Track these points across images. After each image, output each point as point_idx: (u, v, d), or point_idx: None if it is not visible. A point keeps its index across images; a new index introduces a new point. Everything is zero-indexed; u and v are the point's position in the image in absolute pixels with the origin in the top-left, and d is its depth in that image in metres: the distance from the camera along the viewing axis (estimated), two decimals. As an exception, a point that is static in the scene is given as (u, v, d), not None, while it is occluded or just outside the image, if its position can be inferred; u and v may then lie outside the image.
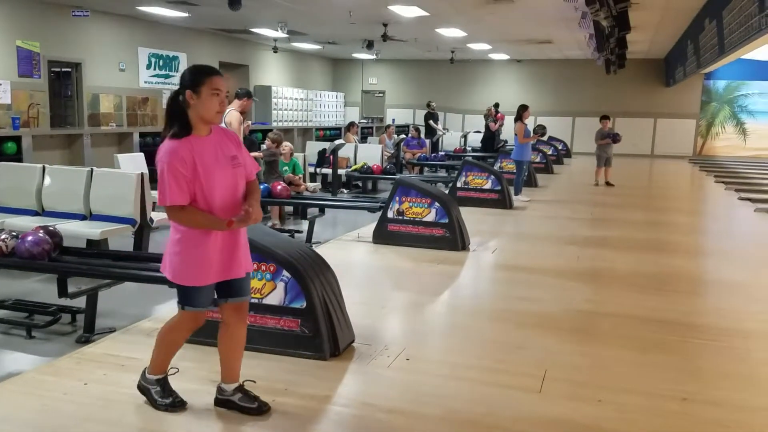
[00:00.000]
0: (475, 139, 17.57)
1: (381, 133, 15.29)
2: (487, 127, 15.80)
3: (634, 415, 2.84)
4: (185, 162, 2.48)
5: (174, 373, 2.83)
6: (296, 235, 7.04)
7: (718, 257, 6.66)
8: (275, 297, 3.36)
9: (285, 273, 3.32)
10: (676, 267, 5.89)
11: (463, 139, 16.86)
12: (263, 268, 3.36)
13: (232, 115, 6.84)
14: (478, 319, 4.28)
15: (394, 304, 4.65)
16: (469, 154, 14.70)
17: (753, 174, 14.87)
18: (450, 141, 16.65)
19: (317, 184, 9.03)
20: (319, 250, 5.37)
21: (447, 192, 8.39)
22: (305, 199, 7.74)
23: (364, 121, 20.89)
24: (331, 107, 19.18)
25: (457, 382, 3.19)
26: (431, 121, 16.00)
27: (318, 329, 3.29)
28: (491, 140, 15.48)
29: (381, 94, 22.33)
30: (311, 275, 3.34)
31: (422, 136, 14.43)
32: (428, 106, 16.41)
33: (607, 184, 11.91)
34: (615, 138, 11.69)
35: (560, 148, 17.11)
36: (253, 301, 3.42)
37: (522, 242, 6.98)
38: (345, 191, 11.03)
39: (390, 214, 6.43)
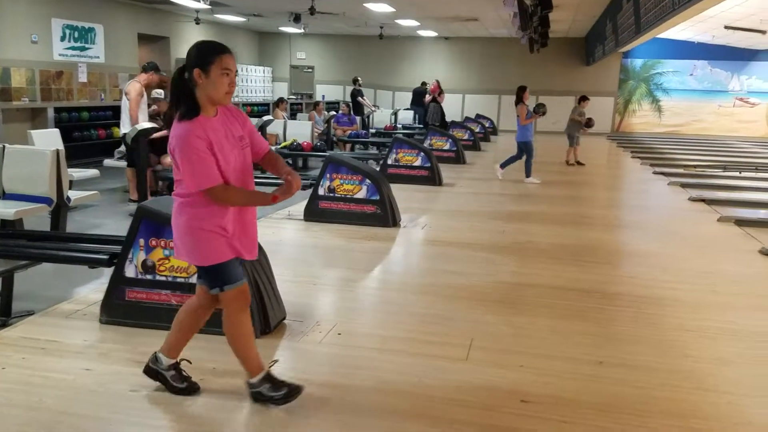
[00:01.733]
0: (406, 116, 17.69)
1: (311, 110, 15.14)
2: (434, 99, 15.75)
3: (553, 378, 2.99)
4: (202, 141, 2.37)
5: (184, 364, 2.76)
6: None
7: (633, 229, 7.02)
8: (203, 276, 3.30)
9: (212, 251, 3.27)
10: (594, 239, 6.17)
11: (393, 117, 16.93)
12: (190, 246, 3.30)
13: (132, 85, 6.61)
14: (408, 293, 4.36)
15: (326, 281, 4.67)
16: (400, 131, 14.79)
17: (667, 150, 15.68)
18: (380, 118, 16.69)
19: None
20: (248, 228, 5.30)
21: (378, 169, 8.43)
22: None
23: (293, 97, 20.61)
24: (258, 82, 18.79)
25: (388, 354, 3.25)
26: (360, 98, 15.95)
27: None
28: (440, 113, 15.45)
29: (310, 70, 22.04)
30: (240, 253, 3.30)
31: (352, 113, 14.39)
32: (355, 82, 16.30)
33: (578, 163, 12.18)
34: (589, 123, 11.80)
35: (487, 125, 17.46)
36: (179, 280, 3.37)
37: (451, 218, 7.12)
38: (274, 169, 10.88)
39: (321, 192, 6.41)
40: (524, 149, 9.83)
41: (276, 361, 2.74)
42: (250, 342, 2.62)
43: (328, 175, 6.38)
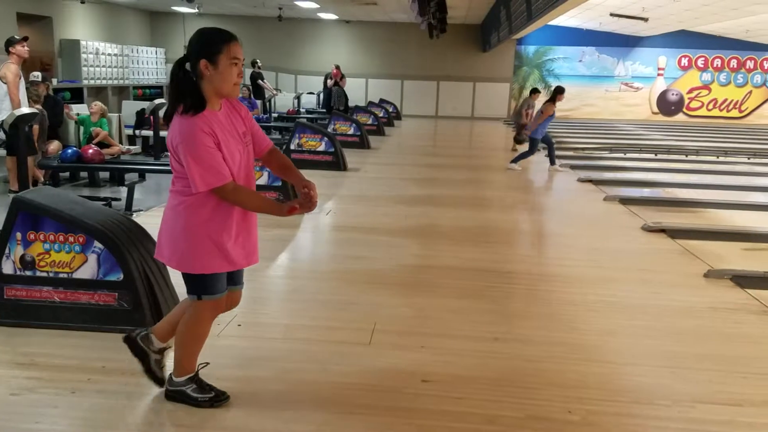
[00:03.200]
0: (310, 101, 17.50)
1: (208, 94, 14.59)
2: (336, 83, 15.59)
3: (452, 357, 3.07)
4: (208, 136, 2.18)
5: (204, 367, 2.57)
6: (114, 203, 6.56)
7: (527, 210, 7.32)
8: (87, 270, 3.11)
9: (97, 244, 3.09)
10: (491, 220, 6.38)
11: (296, 101, 16.69)
12: (71, 239, 3.10)
13: (7, 67, 6.12)
14: (313, 280, 4.32)
15: (225, 270, 4.54)
16: (304, 116, 14.60)
17: (559, 133, 16.42)
18: (283, 102, 16.41)
19: (136, 147, 8.45)
20: (141, 218, 5.06)
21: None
22: (122, 163, 7.22)
23: (191, 80, 19.78)
24: (150, 64, 17.89)
25: (290, 343, 3.21)
26: (260, 81, 15.59)
27: (138, 302, 3.11)
28: (329, 99, 15.34)
29: (207, 52, 21.25)
30: (128, 245, 3.14)
31: (253, 96, 14.04)
32: (254, 65, 15.90)
33: (513, 150, 12.43)
34: (519, 135, 12.02)
35: (391, 110, 17.60)
36: (61, 275, 3.15)
37: (355, 203, 7.12)
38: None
39: (218, 178, 6.21)
40: (546, 142, 9.98)
41: (207, 363, 2.62)
42: (199, 347, 2.53)
43: (226, 162, 6.19)
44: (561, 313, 3.79)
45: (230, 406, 2.56)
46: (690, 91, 21.38)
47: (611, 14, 17.09)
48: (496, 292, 4.14)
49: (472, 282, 4.30)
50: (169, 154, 2.29)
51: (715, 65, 21.21)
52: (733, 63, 21.17)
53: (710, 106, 21.48)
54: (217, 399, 2.54)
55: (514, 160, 9.96)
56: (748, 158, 11.92)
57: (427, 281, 4.33)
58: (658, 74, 21.33)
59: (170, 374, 2.56)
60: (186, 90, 2.22)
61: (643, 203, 7.27)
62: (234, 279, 2.50)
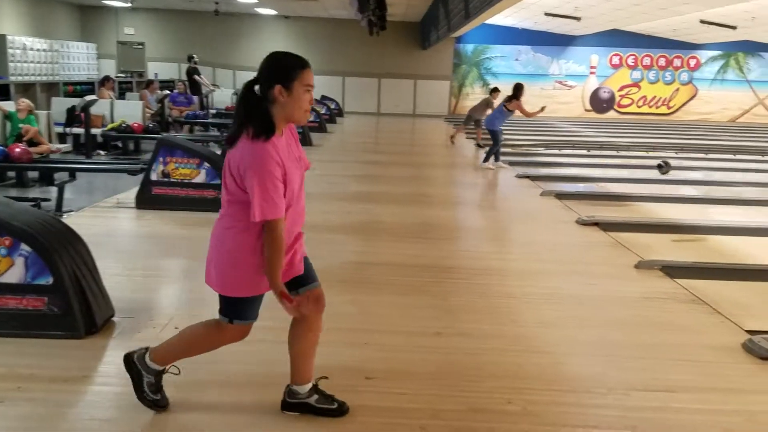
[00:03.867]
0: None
1: (142, 89, 14.18)
2: None
3: (395, 353, 3.08)
4: (278, 166, 2.12)
5: (177, 374, 2.49)
6: (43, 204, 6.27)
7: (467, 206, 7.43)
8: (14, 274, 2.97)
9: (24, 247, 2.94)
10: (433, 216, 6.44)
11: (235, 96, 16.38)
12: (-5, 242, 2.94)
13: None
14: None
15: (163, 273, 4.41)
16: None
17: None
18: (221, 98, 16.08)
19: (66, 145, 8.11)
20: (72, 219, 4.87)
21: (219, 152, 8.11)
22: (51, 162, 6.91)
23: (122, 75, 19.15)
24: (81, 59, 17.18)
25: (233, 345, 3.13)
26: (196, 76, 15.22)
27: (69, 306, 2.98)
28: None
29: (140, 46, 20.60)
30: (57, 248, 3.00)
31: (189, 92, 13.71)
32: (190, 59, 15.51)
33: (478, 145, 12.56)
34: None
35: (333, 107, 17.52)
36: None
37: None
38: (102, 153, 10.07)
39: (154, 177, 6.02)
40: (493, 137, 10.04)
41: (179, 371, 2.53)
42: (191, 354, 2.50)
43: (161, 159, 6.00)
44: (500, 306, 3.86)
45: (175, 410, 2.50)
46: (621, 89, 22.18)
47: (546, 14, 17.55)
48: (437, 287, 4.18)
49: (414, 278, 4.32)
50: (223, 174, 2.22)
51: (644, 63, 22.08)
52: (662, 61, 22.10)
53: (640, 103, 22.35)
54: (158, 405, 2.47)
55: (485, 159, 10.06)
56: (676, 153, 12.46)
57: (369, 278, 4.33)
58: (591, 72, 22.04)
59: (147, 348, 2.47)
60: (256, 113, 2.17)
61: (577, 198, 7.49)
62: (304, 279, 2.44)
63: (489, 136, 10.23)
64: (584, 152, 12.39)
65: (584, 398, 2.72)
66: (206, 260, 2.34)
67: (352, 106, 19.81)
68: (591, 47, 21.66)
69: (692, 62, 22.18)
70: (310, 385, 2.52)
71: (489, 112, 11.85)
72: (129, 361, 2.45)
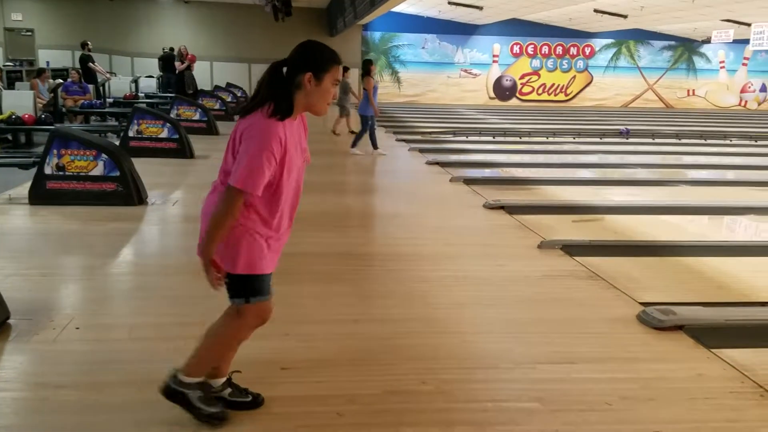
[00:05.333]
0: (149, 84, 16.50)
1: (32, 78, 13.25)
2: (169, 67, 14.75)
3: (315, 342, 3.08)
4: (280, 147, 2.10)
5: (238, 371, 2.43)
6: None
7: (381, 193, 7.50)
8: None
9: None
10: (349, 204, 6.46)
11: (134, 84, 15.66)
12: None
13: None
14: (159, 275, 4.10)
15: (60, 271, 4.18)
16: (143, 101, 13.75)
17: (407, 118, 16.97)
18: (119, 86, 15.32)
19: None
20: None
21: (118, 143, 7.74)
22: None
23: (10, 63, 17.83)
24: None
25: (136, 343, 3.03)
26: (91, 63, 14.41)
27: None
28: (181, 83, 14.54)
29: (29, 33, 19.25)
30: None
31: (83, 80, 12.96)
32: (84, 47, 14.66)
33: (352, 132, 12.26)
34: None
35: (239, 95, 17.11)
36: None
37: (205, 192, 6.76)
38: (-11, 146, 9.36)
39: (48, 170, 5.68)
40: (362, 121, 9.92)
41: (238, 371, 2.46)
42: (231, 353, 2.43)
43: (55, 152, 5.67)
44: (415, 290, 3.93)
45: (74, 415, 2.38)
46: (522, 77, 23.04)
47: (449, 2, 17.89)
48: (354, 275, 4.20)
49: (331, 266, 4.32)
50: (228, 145, 2.19)
51: (543, 52, 23.02)
52: (559, 50, 23.12)
53: (540, 91, 23.31)
54: (217, 418, 2.34)
55: (354, 144, 10.07)
56: (574, 138, 13.10)
57: (287, 268, 4.20)
58: (493, 61, 22.73)
59: (175, 370, 2.33)
60: (280, 94, 2.15)
61: (484, 183, 7.73)
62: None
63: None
64: (490, 139, 12.78)
65: (493, 374, 2.84)
66: (200, 235, 2.27)
67: (260, 94, 19.43)
68: (493, 36, 22.33)
69: (587, 50, 23.36)
70: (223, 379, 2.46)
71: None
72: (168, 392, 2.32)
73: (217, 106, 13.72)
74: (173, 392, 2.32)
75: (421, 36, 21.63)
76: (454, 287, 4.01)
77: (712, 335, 3.20)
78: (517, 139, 12.89)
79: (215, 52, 19.78)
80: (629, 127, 14.09)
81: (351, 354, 2.97)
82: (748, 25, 18.05)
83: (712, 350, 3.05)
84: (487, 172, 9.03)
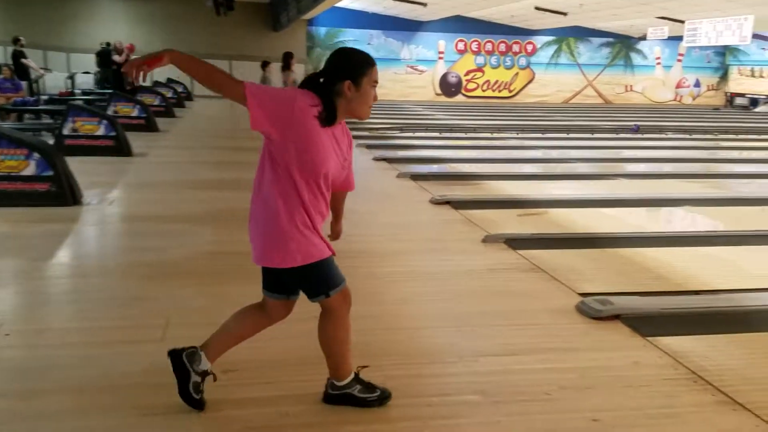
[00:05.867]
0: (86, 81, 15.95)
1: (-43, 74, 12.58)
2: (107, 63, 14.25)
3: (259, 343, 2.96)
4: (302, 112, 2.11)
5: (363, 369, 2.50)
6: None
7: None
8: None
9: None
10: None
11: (70, 81, 15.09)
12: None
13: None
14: (96, 277, 3.96)
15: (-11, 275, 3.98)
16: (79, 97, 13.25)
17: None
18: (54, 83, 14.75)
19: None
20: None
21: (52, 141, 7.45)
22: None
23: (-68, 58, 16.92)
24: None
25: (70, 349, 2.91)
26: (23, 59, 13.81)
27: None
28: (118, 79, 14.05)
29: (-46, 26, 18.27)
30: None
31: (16, 77, 12.40)
32: (16, 42, 14.04)
33: None
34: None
35: (180, 90, 16.72)
36: None
37: (144, 191, 6.66)
38: None
39: (-26, 171, 5.40)
40: None
41: (367, 366, 2.54)
42: (349, 344, 2.44)
43: (-17, 151, 5.40)
44: (364, 287, 3.89)
45: (5, 421, 2.27)
46: (467, 74, 23.33)
47: (394, -1, 17.93)
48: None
49: (273, 264, 4.25)
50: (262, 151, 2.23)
51: (486, 49, 23.36)
52: (502, 47, 23.51)
53: (484, 87, 23.66)
54: (384, 396, 2.48)
55: None
56: (517, 134, 13.34)
57: (226, 268, 4.20)
58: (439, 58, 22.93)
59: (329, 379, 2.47)
60: (324, 103, 2.18)
61: (431, 178, 7.79)
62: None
63: None
64: (437, 135, 12.89)
65: (438, 368, 2.85)
66: (252, 239, 2.32)
67: (202, 90, 18.88)
68: (438, 33, 22.53)
69: (529, 47, 23.83)
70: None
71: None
72: (332, 399, 2.47)
73: (156, 102, 13.37)
74: (337, 397, 2.45)
75: (366, 32, 21.61)
76: (401, 283, 4.02)
77: (648, 324, 3.31)
78: (463, 134, 13.04)
79: (155, 47, 18.85)
80: (638, 124, 14.71)
81: (298, 353, 2.92)
82: (682, 22, 18.77)
83: (648, 338, 3.15)
84: (434, 168, 9.10)
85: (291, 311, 2.51)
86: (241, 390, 2.59)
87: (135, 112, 10.84)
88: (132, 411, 2.41)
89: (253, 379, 2.68)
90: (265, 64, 12.00)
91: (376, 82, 2.26)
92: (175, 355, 2.39)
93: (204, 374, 2.38)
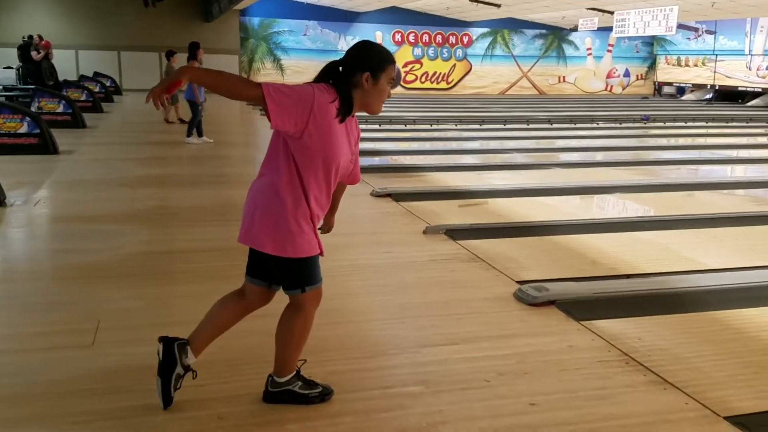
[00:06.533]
0: (7, 76, 15.18)
1: None
2: (29, 57, 13.58)
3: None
4: (321, 109, 2.14)
5: (303, 364, 2.45)
6: None
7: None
8: None
9: None
10: (232, 197, 6.23)
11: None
12: None
13: None
14: (20, 282, 3.77)
15: None
16: (0, 93, 12.58)
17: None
18: (-30, 78, 13.95)
19: None
20: None
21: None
22: None
23: None
24: None
25: (-6, 357, 2.75)
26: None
27: None
28: (39, 74, 13.41)
29: None
30: None
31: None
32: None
33: (181, 121, 11.64)
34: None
35: (108, 84, 16.12)
36: None
37: (72, 190, 6.38)
38: None
39: None
40: (192, 108, 9.40)
41: (305, 360, 2.48)
42: (304, 343, 2.45)
43: None
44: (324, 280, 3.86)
45: None
46: (405, 65, 23.41)
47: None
48: (237, 271, 3.94)
49: (213, 263, 4.15)
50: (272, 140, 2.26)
51: (424, 40, 23.50)
52: (439, 38, 23.70)
53: (423, 79, 23.81)
54: (326, 393, 2.46)
55: (188, 134, 9.60)
56: (456, 125, 13.49)
57: (160, 268, 4.07)
58: (377, 49, 22.90)
59: (270, 376, 2.43)
60: (342, 93, 2.22)
61: (371, 171, 7.74)
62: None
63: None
64: (376, 127, 12.88)
65: (380, 361, 2.84)
66: (243, 219, 2.31)
67: (131, 83, 18.37)
68: (375, 24, 22.50)
69: (465, 39, 24.12)
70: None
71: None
72: (271, 396, 2.43)
73: (83, 98, 12.84)
74: (278, 395, 2.42)
75: (302, 22, 21.35)
76: (343, 277, 3.99)
77: (582, 308, 3.40)
78: (403, 126, 13.08)
79: (81, 40, 18.44)
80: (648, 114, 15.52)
81: (232, 353, 2.85)
82: (612, 13, 19.37)
83: (582, 322, 3.24)
84: (374, 161, 9.08)
85: (269, 302, 2.51)
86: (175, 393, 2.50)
87: (60, 108, 10.39)
88: (62, 420, 2.30)
89: (185, 382, 2.58)
90: (170, 54, 11.61)
91: (393, 79, 2.32)
92: (167, 342, 2.37)
93: (187, 369, 2.37)
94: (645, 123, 14.28)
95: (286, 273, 2.34)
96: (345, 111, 2.23)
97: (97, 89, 14.45)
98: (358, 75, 2.22)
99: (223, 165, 8.16)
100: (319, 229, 2.44)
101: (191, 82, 2.13)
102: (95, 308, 3.31)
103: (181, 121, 11.72)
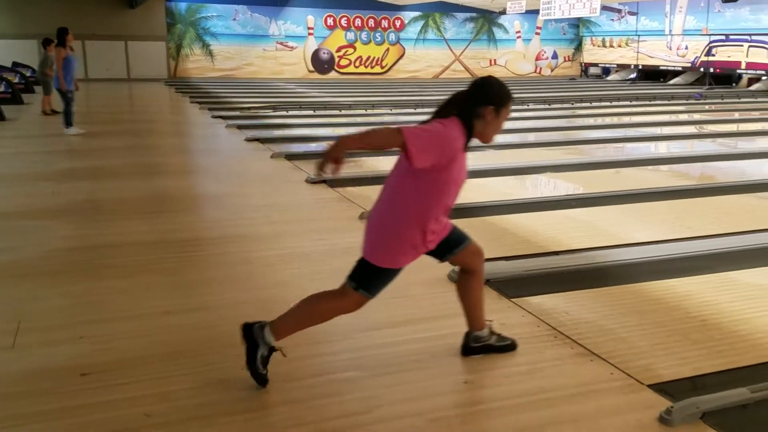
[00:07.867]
0: None
1: None
2: None
3: (117, 342, 2.84)
4: (452, 151, 2.33)
5: (285, 356, 2.48)
6: None
7: (198, 174, 7.15)
8: None
9: None
10: (161, 188, 6.06)
11: None
12: None
13: None
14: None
15: None
16: None
17: (223, 93, 16.35)
18: None
19: None
20: None
21: None
22: None
23: None
24: None
25: None
26: None
27: None
28: None
29: None
30: None
31: None
32: None
33: (54, 112, 11.04)
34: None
35: (28, 75, 15.34)
36: None
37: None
38: None
39: None
40: (62, 97, 8.94)
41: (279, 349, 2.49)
42: (308, 326, 2.55)
43: None
44: (239, 273, 3.81)
45: None
46: (338, 50, 23.22)
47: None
48: (170, 263, 3.96)
49: (141, 257, 4.03)
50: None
51: (356, 24, 23.34)
52: (371, 22, 23.59)
53: (357, 63, 23.69)
54: (262, 380, 2.46)
55: (67, 125, 9.15)
56: (391, 110, 13.51)
57: (84, 264, 3.91)
58: (309, 34, 22.61)
59: (267, 322, 2.47)
60: (467, 123, 2.37)
61: (306, 158, 7.68)
62: (455, 240, 2.62)
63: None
64: (311, 113, 12.75)
65: (321, 348, 2.85)
66: (368, 234, 2.49)
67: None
68: (306, 8, 22.18)
69: (398, 23, 24.12)
70: (487, 329, 2.73)
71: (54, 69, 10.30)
72: (247, 333, 2.46)
73: (2, 89, 12.16)
74: (250, 336, 2.45)
75: (231, 7, 20.82)
76: (277, 266, 3.95)
77: (513, 286, 3.49)
78: (338, 112, 13.00)
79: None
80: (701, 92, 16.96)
81: (161, 349, 2.79)
82: (538, -4, 19.76)
83: (513, 300, 3.32)
84: (310, 147, 9.01)
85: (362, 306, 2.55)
86: (97, 394, 2.43)
87: (-25, 100, 9.80)
88: (-14, 426, 2.20)
89: (110, 381, 2.52)
90: (47, 43, 10.92)
91: (508, 115, 2.48)
92: (246, 327, 2.48)
93: (271, 349, 2.46)
94: (697, 100, 15.83)
95: (362, 266, 2.50)
96: (468, 141, 2.43)
97: (16, 80, 13.73)
98: (483, 108, 2.40)
99: (153, 155, 7.91)
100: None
101: (353, 149, 2.31)
102: (15, 308, 3.17)
103: (54, 111, 11.04)
